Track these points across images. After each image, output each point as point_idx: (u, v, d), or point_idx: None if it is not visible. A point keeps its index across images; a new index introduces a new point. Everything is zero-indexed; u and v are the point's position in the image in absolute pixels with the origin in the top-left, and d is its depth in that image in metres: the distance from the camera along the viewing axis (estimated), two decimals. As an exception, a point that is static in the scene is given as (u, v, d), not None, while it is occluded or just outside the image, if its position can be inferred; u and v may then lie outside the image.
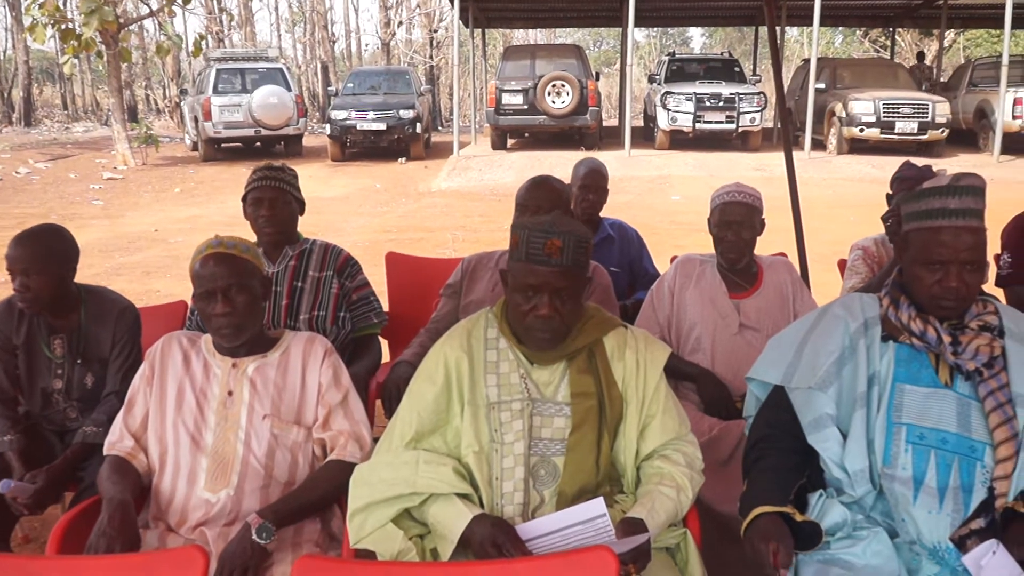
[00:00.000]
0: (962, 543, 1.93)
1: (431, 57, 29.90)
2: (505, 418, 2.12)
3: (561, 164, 16.17)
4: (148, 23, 30.33)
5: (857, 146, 16.45)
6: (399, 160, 17.83)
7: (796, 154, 16.19)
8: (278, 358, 2.39)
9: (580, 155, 16.59)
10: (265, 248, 3.20)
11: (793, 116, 18.45)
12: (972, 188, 2.07)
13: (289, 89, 18.65)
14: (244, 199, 3.21)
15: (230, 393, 2.32)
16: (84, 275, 2.95)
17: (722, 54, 20.16)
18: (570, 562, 1.56)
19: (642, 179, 14.69)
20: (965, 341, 2.07)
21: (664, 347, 2.29)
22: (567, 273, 2.06)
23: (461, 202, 13.09)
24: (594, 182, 3.99)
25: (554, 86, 16.62)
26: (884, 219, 3.86)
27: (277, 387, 2.34)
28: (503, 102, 16.97)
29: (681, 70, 18.69)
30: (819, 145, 17.10)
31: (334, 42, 32.14)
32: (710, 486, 2.52)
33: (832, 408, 2.12)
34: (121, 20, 17.75)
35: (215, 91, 18.18)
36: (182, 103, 22.55)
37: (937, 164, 16.04)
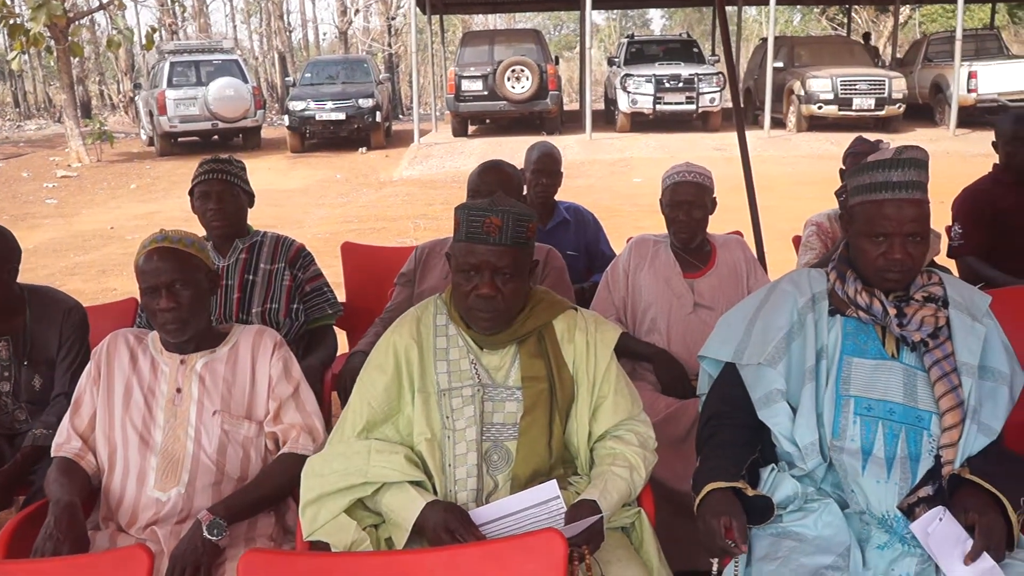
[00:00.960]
0: (910, 511, 1.96)
1: (389, 45, 29.63)
2: (456, 404, 2.11)
3: (522, 149, 15.83)
4: (99, 16, 29.82)
5: (816, 123, 16.59)
6: (360, 150, 17.70)
7: (756, 133, 16.41)
8: (227, 353, 2.35)
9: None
10: (215, 242, 3.16)
11: (753, 95, 18.57)
12: (914, 161, 2.08)
13: (246, 81, 18.42)
14: (191, 192, 3.17)
15: (179, 390, 2.29)
16: (38, 276, 2.90)
17: (681, 35, 20.19)
18: (520, 545, 1.55)
19: (604, 162, 14.71)
20: (910, 312, 2.09)
21: (615, 328, 2.30)
22: (507, 252, 2.06)
23: (422, 190, 13.02)
24: (547, 166, 3.98)
25: (513, 71, 16.57)
26: (837, 194, 3.89)
27: (227, 382, 2.31)
28: (462, 88, 16.90)
29: (640, 52, 18.70)
30: (779, 124, 17.22)
31: (291, 32, 31.81)
32: (666, 465, 2.53)
33: (782, 383, 2.13)
34: (70, 14, 17.42)
35: (169, 84, 17.91)
36: (136, 98, 22.19)
37: (894, 139, 16.25)
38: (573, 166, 14.58)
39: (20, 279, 2.85)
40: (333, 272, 3.99)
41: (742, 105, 16.43)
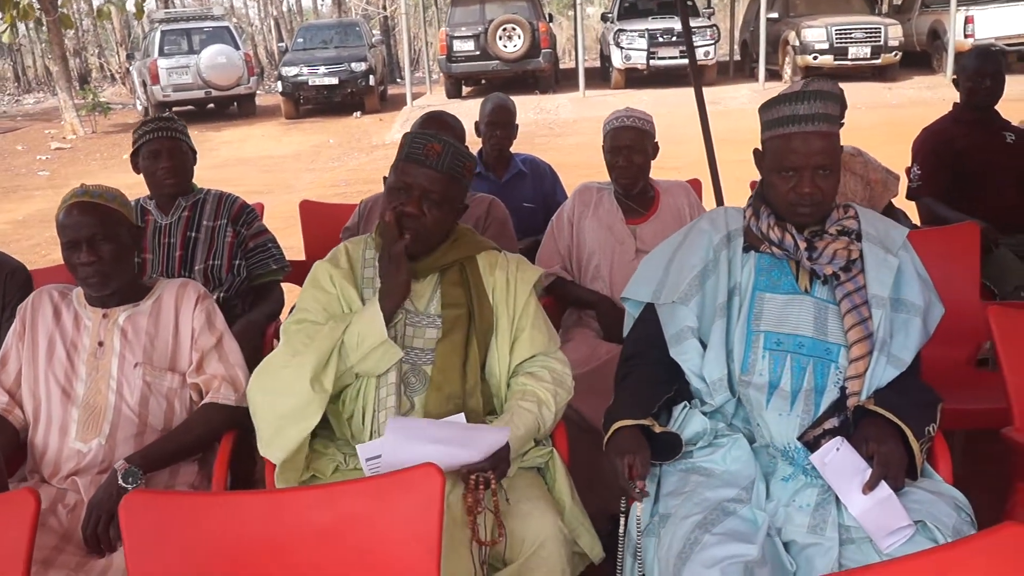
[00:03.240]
0: (816, 443, 1.96)
1: (384, 7, 29.32)
2: None
3: (517, 108, 15.99)
4: (95, -13, 29.50)
5: (812, 74, 16.30)
6: (354, 114, 17.59)
7: (751, 85, 16.31)
8: (150, 306, 2.37)
9: (535, 99, 16.55)
10: (159, 200, 3.18)
11: (749, 47, 18.36)
12: (820, 93, 2.06)
13: (238, 48, 18.26)
14: (135, 153, 3.18)
15: (100, 343, 2.30)
16: (22, 247, 2.94)
17: (674, -12, 19.90)
18: (398, 481, 1.57)
19: (597, 119, 14.33)
20: (821, 246, 2.08)
21: (535, 268, 2.36)
22: (440, 178, 2.15)
23: (414, 152, 12.95)
24: (501, 118, 3.96)
25: (504, 30, 16.39)
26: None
27: (149, 335, 2.32)
28: (454, 49, 16.74)
29: (634, 7, 18.41)
30: (775, 76, 17.03)
31: (285, -3, 31.51)
32: (604, 409, 2.55)
33: (693, 321, 2.13)
34: (59, -15, 17.29)
35: (161, 53, 17.78)
36: (131, 68, 22.11)
37: (891, 87, 16.05)
38: (566, 124, 14.50)
39: (5, 250, 2.88)
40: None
41: (738, 58, 16.19)
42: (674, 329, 2.15)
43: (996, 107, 4.00)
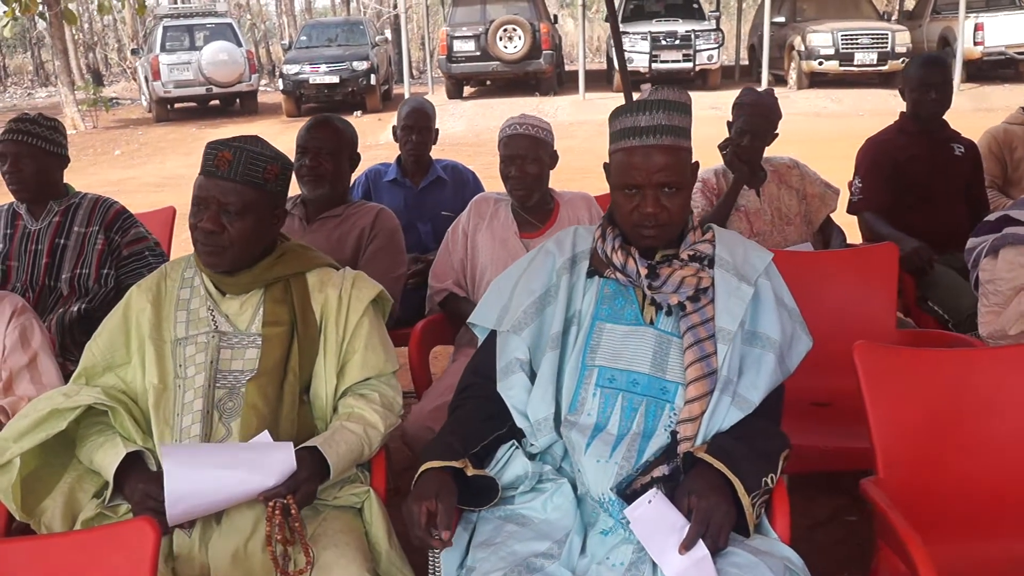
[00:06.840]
0: (643, 493, 1.76)
1: (394, 6, 29.17)
2: (190, 352, 2.01)
3: (511, 111, 15.53)
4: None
5: (817, 80, 16.08)
6: (355, 113, 17.46)
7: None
8: (-40, 322, 2.21)
9: (535, 101, 16.35)
10: (30, 205, 3.01)
11: (757, 52, 18.09)
12: (664, 103, 1.86)
13: (240, 44, 18.23)
14: None
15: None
16: None
17: (682, -10, 19.63)
18: (108, 535, 1.40)
19: (594, 123, 14.36)
20: (665, 273, 1.89)
21: (375, 285, 2.19)
22: (235, 188, 1.98)
23: (405, 153, 12.79)
24: (417, 122, 3.79)
25: (505, 30, 16.18)
26: (721, 148, 3.67)
27: (-45, 353, 2.17)
28: (454, 49, 16.55)
29: (640, 9, 18.16)
30: (782, 81, 16.74)
31: (296, -5, 31.46)
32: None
33: (523, 352, 1.94)
34: (61, -21, 17.28)
35: (163, 49, 17.77)
36: (137, 63, 22.13)
37: (898, 94, 15.69)
38: (562, 127, 14.26)
39: None
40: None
41: (746, 63, 15.90)
42: (504, 361, 1.95)
43: (944, 117, 3.78)
